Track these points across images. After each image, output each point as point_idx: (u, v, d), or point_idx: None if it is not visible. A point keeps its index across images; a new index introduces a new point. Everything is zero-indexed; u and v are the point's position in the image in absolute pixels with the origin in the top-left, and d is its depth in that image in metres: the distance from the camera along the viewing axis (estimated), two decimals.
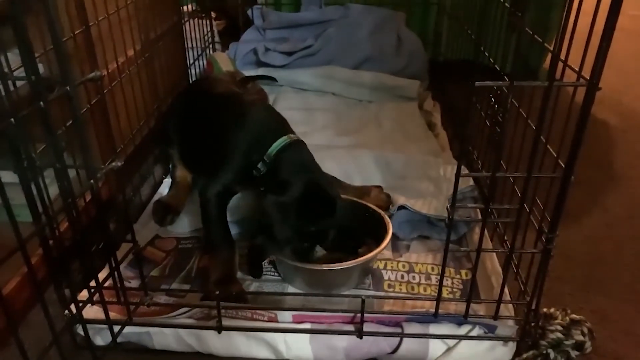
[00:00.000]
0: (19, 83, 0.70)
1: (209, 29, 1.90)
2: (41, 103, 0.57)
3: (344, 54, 1.72)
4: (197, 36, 1.73)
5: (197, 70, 1.73)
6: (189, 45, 1.67)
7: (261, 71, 1.73)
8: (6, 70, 0.61)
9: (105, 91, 1.00)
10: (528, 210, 0.78)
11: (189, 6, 1.80)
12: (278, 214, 0.87)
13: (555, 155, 0.71)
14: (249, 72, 1.69)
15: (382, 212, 0.99)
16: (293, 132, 0.99)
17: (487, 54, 1.06)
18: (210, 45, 1.92)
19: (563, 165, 0.66)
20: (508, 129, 0.67)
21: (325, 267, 0.88)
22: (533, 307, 0.76)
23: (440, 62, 1.89)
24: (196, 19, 1.75)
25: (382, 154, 1.25)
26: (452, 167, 1.21)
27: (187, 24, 1.64)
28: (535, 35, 0.82)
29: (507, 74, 1.07)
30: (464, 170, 0.94)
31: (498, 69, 1.04)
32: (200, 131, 1.08)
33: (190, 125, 1.12)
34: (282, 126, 1.00)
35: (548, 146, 0.73)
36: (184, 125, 1.15)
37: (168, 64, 1.47)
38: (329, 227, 0.90)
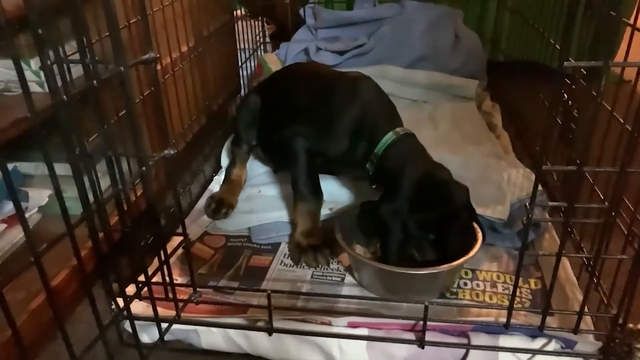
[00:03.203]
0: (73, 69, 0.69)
1: (259, 30, 1.89)
2: (94, 82, 0.54)
3: (398, 53, 1.66)
4: (249, 37, 1.71)
5: (248, 71, 1.72)
6: (240, 46, 1.66)
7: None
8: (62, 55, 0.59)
9: (162, 80, 0.99)
10: (614, 212, 0.70)
11: (240, 11, 1.79)
12: (393, 222, 0.84)
13: None
14: None
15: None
16: (400, 120, 1.01)
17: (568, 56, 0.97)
18: (261, 46, 1.91)
19: None
20: (595, 118, 0.60)
21: (412, 271, 0.81)
22: (620, 321, 0.68)
23: (500, 62, 1.80)
24: (247, 21, 1.74)
25: (440, 154, 1.18)
26: (517, 170, 1.12)
27: (238, 25, 1.62)
28: (605, 30, 0.74)
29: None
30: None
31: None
32: (298, 100, 1.09)
33: (284, 98, 1.13)
34: (390, 114, 1.01)
35: None
36: (275, 102, 1.16)
37: (220, 63, 1.45)
38: (450, 215, 0.85)
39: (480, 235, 0.86)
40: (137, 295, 0.74)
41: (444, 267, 0.80)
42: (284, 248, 1.00)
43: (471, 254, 0.82)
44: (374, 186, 0.97)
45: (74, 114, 0.58)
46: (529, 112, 1.45)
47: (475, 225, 0.89)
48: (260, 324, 0.76)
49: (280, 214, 1.06)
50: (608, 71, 0.54)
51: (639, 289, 0.81)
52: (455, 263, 0.81)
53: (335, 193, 1.12)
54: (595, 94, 0.76)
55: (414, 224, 0.83)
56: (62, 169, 0.58)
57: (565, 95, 0.97)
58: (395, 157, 0.92)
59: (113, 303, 0.73)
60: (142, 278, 0.73)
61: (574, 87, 0.93)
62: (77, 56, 0.59)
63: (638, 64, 0.55)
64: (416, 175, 0.86)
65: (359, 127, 0.97)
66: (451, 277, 0.87)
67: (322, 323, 0.76)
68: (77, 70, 0.66)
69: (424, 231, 0.84)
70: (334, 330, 0.75)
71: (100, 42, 0.77)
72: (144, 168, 0.63)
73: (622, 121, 0.69)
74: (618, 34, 0.80)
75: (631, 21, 0.69)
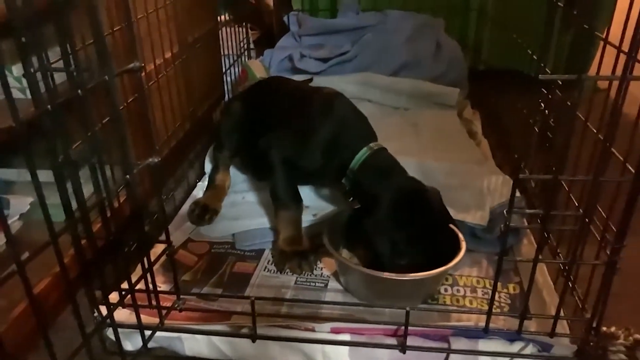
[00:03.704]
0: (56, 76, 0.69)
1: (243, 37, 1.90)
2: (79, 91, 0.55)
3: (381, 61, 1.68)
4: (232, 44, 1.72)
5: (232, 77, 1.72)
6: (224, 52, 1.66)
7: (296, 78, 1.70)
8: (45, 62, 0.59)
9: (145, 87, 0.99)
10: (588, 219, 0.72)
11: (224, 16, 1.80)
12: (378, 233, 0.85)
13: (622, 158, 0.65)
14: None
15: (453, 226, 0.93)
16: (374, 135, 1.02)
17: (543, 65, 1.00)
18: (245, 52, 1.91)
19: (632, 170, 0.60)
20: (571, 129, 0.62)
21: (400, 277, 0.82)
22: (594, 325, 0.70)
23: (480, 70, 1.83)
24: (231, 27, 1.75)
25: (424, 162, 1.20)
26: (497, 176, 1.15)
27: (222, 31, 1.63)
28: (580, 43, 0.77)
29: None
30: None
31: (549, 72, 0.98)
32: (275, 114, 1.11)
33: (264, 111, 1.15)
34: (364, 130, 1.04)
35: (613, 149, 0.67)
36: (254, 113, 1.17)
37: (204, 69, 1.46)
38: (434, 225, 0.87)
39: (463, 243, 0.88)
40: (121, 303, 0.74)
41: (431, 273, 0.81)
42: (267, 254, 1.00)
43: (456, 260, 0.84)
44: (350, 199, 0.98)
45: (59, 122, 0.58)
46: (509, 119, 1.48)
47: (458, 232, 0.90)
48: (244, 330, 0.77)
49: (264, 221, 1.06)
50: (582, 84, 0.56)
51: (612, 294, 0.84)
52: (441, 269, 0.82)
53: (318, 199, 1.13)
54: (570, 103, 0.78)
55: (401, 237, 0.84)
56: (44, 175, 0.58)
57: (542, 104, 1.00)
58: (371, 172, 0.94)
59: (96, 311, 0.73)
60: (125, 285, 0.73)
61: (550, 97, 0.95)
62: (60, 63, 0.59)
63: (610, 78, 0.57)
64: (395, 188, 0.88)
65: (333, 143, 0.99)
66: (436, 283, 0.89)
67: (306, 329, 0.77)
68: (60, 75, 0.66)
69: (412, 242, 0.85)
70: (318, 336, 0.75)
71: (84, 48, 0.77)
72: (128, 176, 0.63)
73: (596, 131, 0.71)
74: (592, 47, 0.82)
75: (604, 35, 0.71)
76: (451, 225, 0.92)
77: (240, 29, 1.87)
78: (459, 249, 0.87)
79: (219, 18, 1.64)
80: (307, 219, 1.03)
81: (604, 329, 0.73)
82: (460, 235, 0.90)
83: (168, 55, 1.19)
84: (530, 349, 0.73)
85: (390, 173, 0.94)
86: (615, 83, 0.59)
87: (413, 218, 0.85)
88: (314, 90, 1.13)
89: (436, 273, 0.82)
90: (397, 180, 0.92)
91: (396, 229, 0.84)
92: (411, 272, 0.82)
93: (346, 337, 0.75)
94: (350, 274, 0.89)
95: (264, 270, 0.96)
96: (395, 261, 0.84)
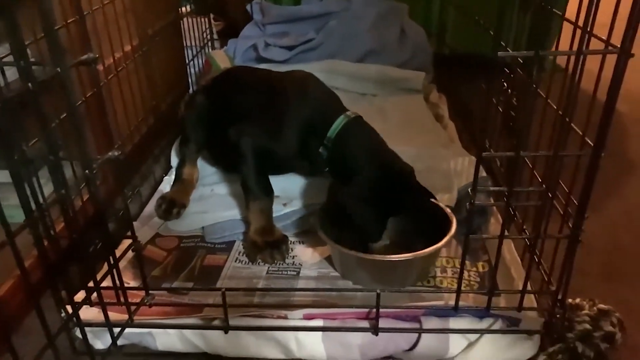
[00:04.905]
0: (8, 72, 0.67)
1: (206, 27, 1.87)
2: (30, 85, 0.53)
3: (346, 47, 1.67)
4: (195, 34, 1.69)
5: (196, 68, 1.70)
6: (187, 43, 1.63)
7: (262, 67, 1.69)
8: None
9: (102, 84, 0.96)
10: (551, 194, 0.74)
11: (185, 8, 1.76)
12: (354, 203, 0.84)
13: (580, 133, 0.66)
14: None
15: (443, 205, 0.93)
16: (345, 109, 1.01)
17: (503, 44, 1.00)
18: (209, 43, 1.88)
19: (591, 143, 0.62)
20: (532, 105, 0.63)
21: (390, 258, 0.81)
22: (559, 297, 0.72)
23: (445, 55, 1.85)
24: (193, 18, 1.72)
25: (393, 147, 1.20)
26: (463, 158, 1.16)
27: (185, 22, 1.60)
28: (540, 24, 0.78)
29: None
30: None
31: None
32: (246, 102, 1.09)
33: (232, 101, 1.13)
34: (337, 103, 1.03)
35: (572, 125, 0.68)
36: (222, 104, 1.15)
37: (167, 61, 1.43)
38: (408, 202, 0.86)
39: (454, 220, 0.88)
40: (87, 301, 0.72)
41: (423, 252, 0.81)
42: (238, 246, 1.00)
43: (447, 238, 0.84)
44: (326, 169, 0.97)
45: (12, 118, 0.56)
46: (474, 102, 1.50)
47: (448, 210, 0.90)
48: (216, 322, 0.76)
49: (233, 213, 1.05)
50: (541, 61, 0.57)
51: (576, 268, 0.86)
52: (434, 247, 0.82)
53: (288, 188, 1.12)
54: (529, 80, 0.79)
55: (378, 206, 0.84)
56: (3, 175, 0.57)
57: (505, 84, 1.01)
58: (349, 140, 0.93)
59: (63, 311, 0.72)
60: (92, 284, 0.71)
61: (512, 75, 0.97)
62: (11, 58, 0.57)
63: (566, 53, 0.58)
64: (376, 157, 0.89)
65: (308, 125, 0.98)
66: (430, 262, 0.89)
67: (278, 317, 0.77)
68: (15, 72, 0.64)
69: (390, 211, 0.85)
70: (290, 323, 0.75)
71: (40, 43, 0.75)
72: (88, 171, 0.61)
73: (555, 107, 0.73)
74: (551, 24, 0.83)
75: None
76: (441, 205, 0.92)
77: (203, 19, 1.84)
78: (448, 225, 0.86)
79: (180, 9, 1.61)
80: (276, 209, 1.03)
81: (569, 300, 0.75)
82: (449, 213, 0.90)
83: (128, 48, 1.16)
84: (499, 325, 0.74)
85: (369, 141, 0.93)
86: (574, 61, 0.60)
87: (394, 188, 0.85)
88: (284, 74, 1.12)
89: (430, 251, 0.82)
90: (376, 151, 0.91)
91: (375, 197, 0.84)
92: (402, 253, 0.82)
93: (319, 322, 0.75)
94: (347, 261, 0.88)
95: (235, 261, 0.95)
96: (375, 232, 0.84)
